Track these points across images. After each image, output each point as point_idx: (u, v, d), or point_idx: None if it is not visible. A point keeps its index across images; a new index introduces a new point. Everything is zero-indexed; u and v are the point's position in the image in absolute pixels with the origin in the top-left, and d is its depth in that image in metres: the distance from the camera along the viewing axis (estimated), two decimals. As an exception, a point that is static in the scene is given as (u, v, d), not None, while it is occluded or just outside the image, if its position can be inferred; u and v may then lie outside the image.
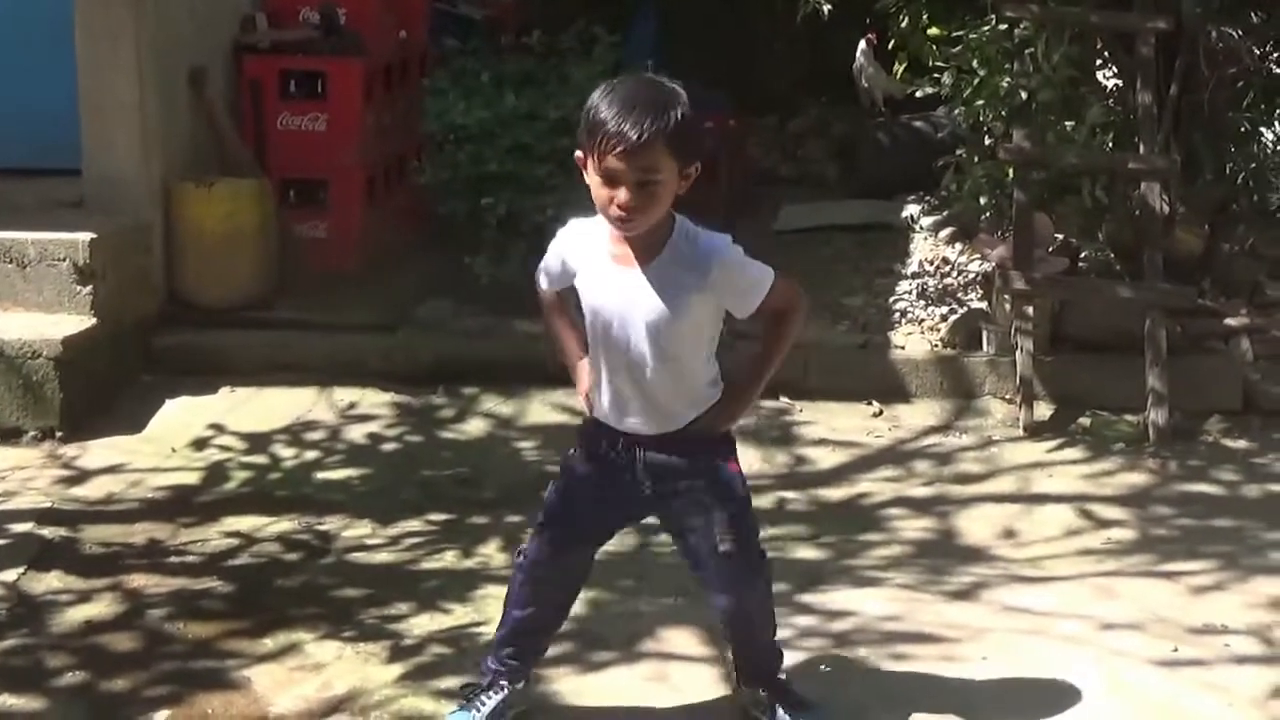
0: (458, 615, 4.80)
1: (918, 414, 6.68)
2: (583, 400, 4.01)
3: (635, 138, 3.56)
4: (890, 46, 8.11)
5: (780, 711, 4.07)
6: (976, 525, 5.62)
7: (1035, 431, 6.46)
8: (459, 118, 7.16)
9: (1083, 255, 7.21)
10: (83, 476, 5.99)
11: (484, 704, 4.10)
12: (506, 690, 4.12)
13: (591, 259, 3.83)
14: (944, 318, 7.13)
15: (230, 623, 4.77)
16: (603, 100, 3.64)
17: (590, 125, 3.64)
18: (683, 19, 10.27)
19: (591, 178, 3.69)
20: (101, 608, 4.86)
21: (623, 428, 3.87)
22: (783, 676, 4.17)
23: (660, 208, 3.68)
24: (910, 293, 7.41)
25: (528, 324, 6.63)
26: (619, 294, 3.78)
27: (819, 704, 4.11)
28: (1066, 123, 6.97)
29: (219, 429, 6.43)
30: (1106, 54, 7.34)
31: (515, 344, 6.82)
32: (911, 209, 8.31)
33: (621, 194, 3.62)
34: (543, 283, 4.00)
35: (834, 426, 6.53)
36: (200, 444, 6.31)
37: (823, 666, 4.47)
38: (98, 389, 6.52)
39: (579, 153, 3.73)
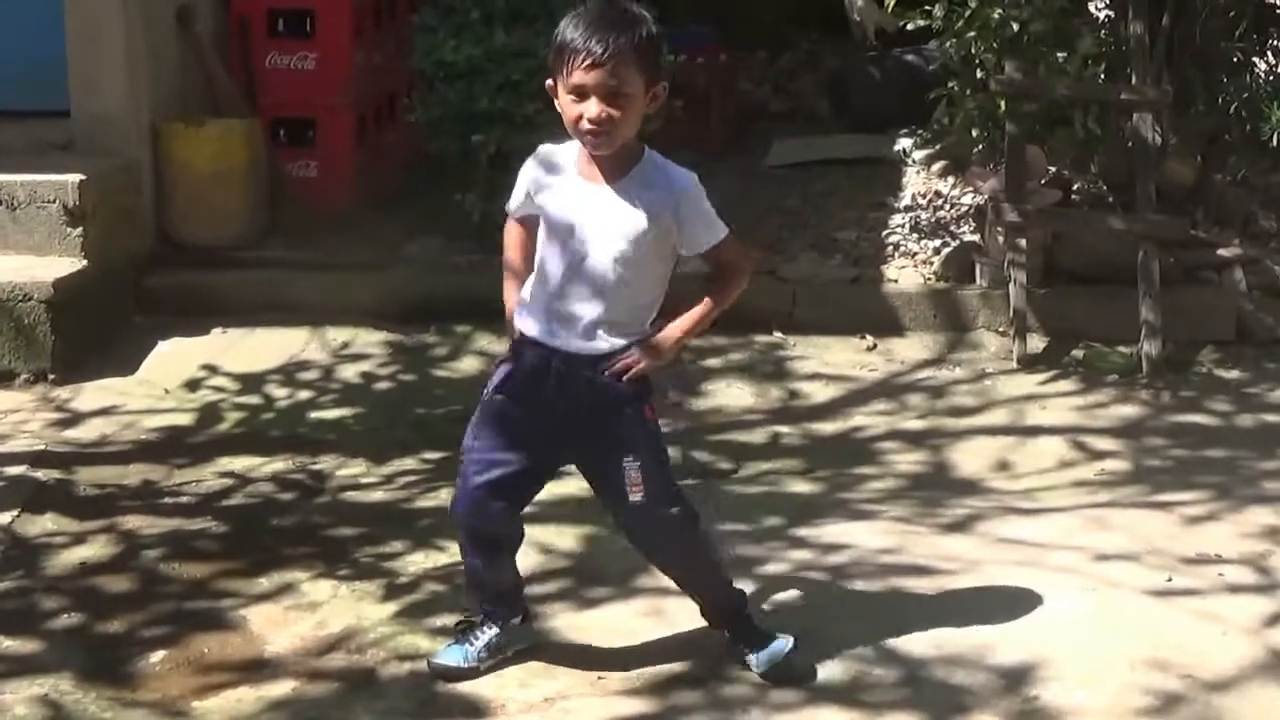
0: (452, 553, 4.78)
1: (911, 347, 6.67)
2: (511, 333, 3.99)
3: (601, 51, 3.66)
4: (881, -21, 8.06)
5: (748, 652, 4.09)
6: (970, 458, 5.63)
7: (1028, 364, 6.47)
8: (449, 55, 7.12)
9: (1075, 187, 7.20)
10: (76, 419, 5.98)
11: (476, 639, 4.12)
12: (499, 627, 4.14)
13: (559, 176, 3.89)
14: (937, 251, 7.13)
15: (225, 563, 4.78)
16: (569, 23, 3.74)
17: (558, 46, 3.74)
18: (673, -47, 10.20)
19: (562, 99, 3.77)
20: (96, 549, 4.87)
21: (552, 343, 3.87)
22: (748, 615, 4.17)
23: (630, 123, 3.74)
24: (903, 226, 7.39)
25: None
26: (585, 206, 3.82)
27: (782, 635, 4.11)
28: (1058, 54, 6.93)
29: (212, 370, 6.43)
30: (1098, -16, 7.31)
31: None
32: (904, 142, 8.28)
33: (591, 107, 3.69)
34: (512, 206, 4.02)
35: (827, 361, 6.53)
36: (193, 385, 6.31)
37: (818, 598, 4.48)
38: (89, 331, 6.51)
39: (549, 81, 3.80)
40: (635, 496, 3.93)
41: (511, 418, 3.96)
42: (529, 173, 3.95)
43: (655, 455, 3.98)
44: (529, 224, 4.01)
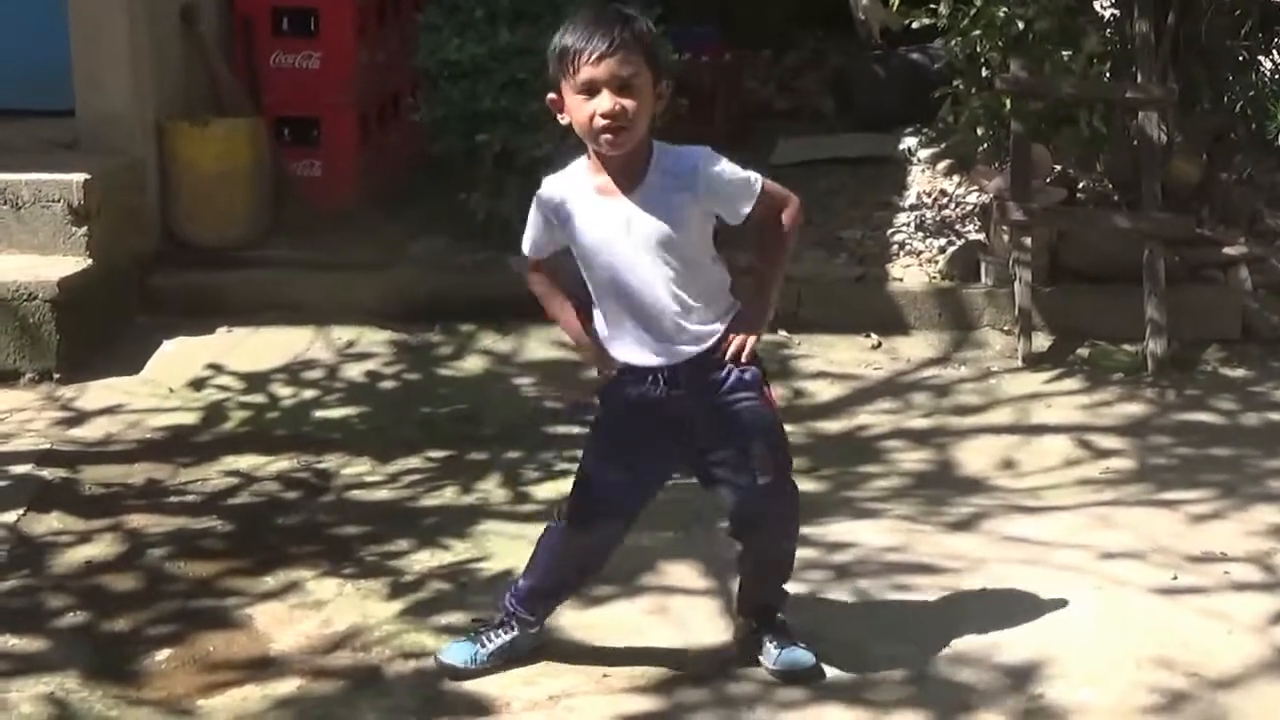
0: (457, 551, 4.81)
1: (916, 346, 6.67)
2: (595, 362, 3.99)
3: (607, 43, 3.65)
4: (886, -23, 8.05)
5: (768, 643, 4.08)
6: (975, 456, 5.62)
7: (1034, 362, 6.46)
8: (453, 53, 7.11)
9: (1080, 186, 7.19)
10: (81, 418, 5.99)
11: (490, 640, 4.11)
12: (517, 632, 4.13)
13: (576, 201, 3.84)
14: (942, 249, 7.12)
15: (230, 561, 4.79)
16: (565, 31, 3.74)
17: (559, 53, 3.73)
18: (677, -48, 10.19)
19: (571, 103, 3.74)
20: (102, 548, 4.87)
21: (664, 361, 3.85)
22: (781, 615, 4.17)
23: (643, 117, 3.71)
24: (908, 225, 7.39)
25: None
26: (614, 224, 3.79)
27: (806, 648, 4.09)
28: (1064, 52, 6.92)
29: (217, 369, 6.43)
30: (1103, -17, 7.30)
31: (512, 280, 6.74)
32: (909, 141, 8.27)
33: (604, 101, 3.67)
34: (531, 251, 3.97)
35: (832, 359, 6.53)
36: (198, 384, 6.31)
37: (824, 597, 4.48)
38: (94, 330, 6.51)
39: (552, 95, 3.79)
40: (764, 479, 3.92)
41: (632, 442, 3.95)
42: (543, 205, 3.89)
43: (780, 435, 3.99)
44: (549, 265, 3.98)
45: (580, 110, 3.71)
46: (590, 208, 3.82)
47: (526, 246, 3.97)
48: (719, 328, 3.86)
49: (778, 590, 4.17)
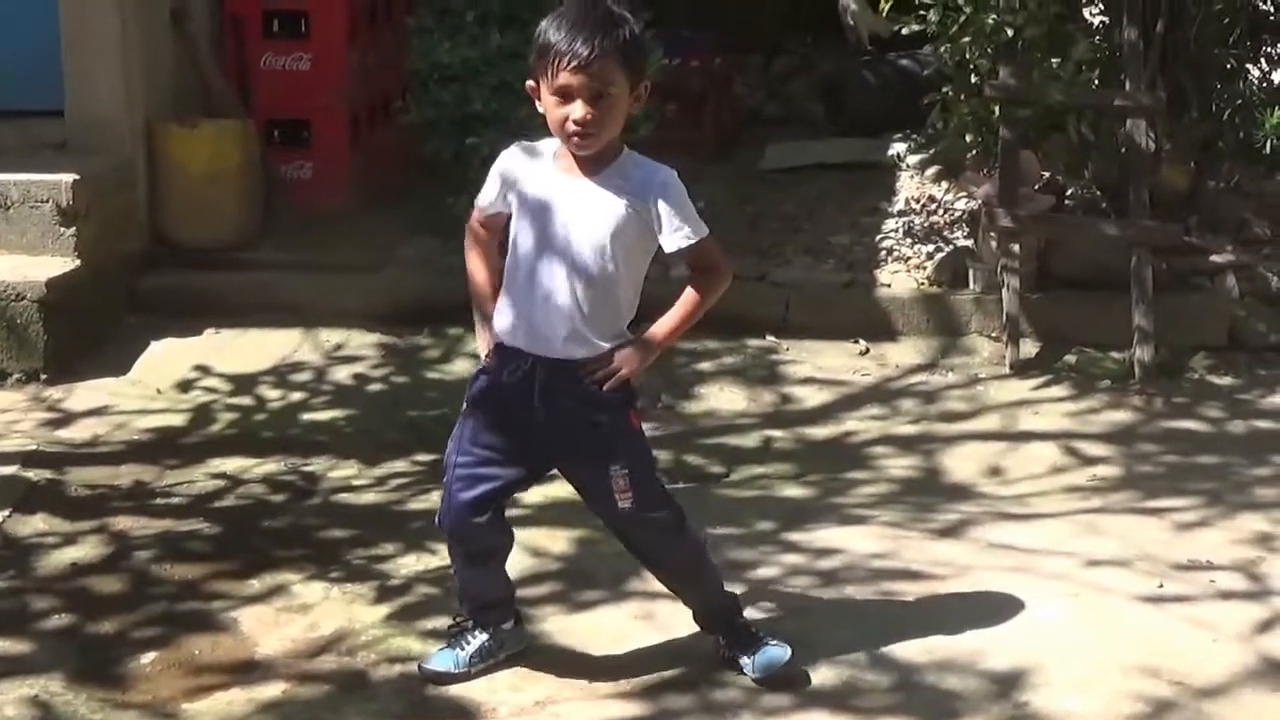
0: (444, 555, 4.73)
1: (904, 352, 6.68)
2: (484, 345, 3.97)
3: (586, 53, 3.65)
4: (876, -17, 8.06)
5: (742, 656, 4.08)
6: (962, 463, 5.63)
7: (1021, 369, 6.47)
8: (444, 56, 7.11)
9: (1069, 193, 7.20)
10: (68, 419, 5.98)
11: (467, 644, 4.11)
12: (490, 633, 4.13)
13: (536, 170, 3.85)
14: (930, 256, 7.13)
15: (217, 564, 4.78)
16: (552, 24, 3.73)
17: (541, 47, 3.73)
18: (668, -44, 10.20)
19: (545, 100, 3.75)
20: (88, 550, 4.86)
21: (529, 348, 3.83)
22: (741, 619, 4.17)
23: (614, 124, 3.74)
24: (896, 231, 7.39)
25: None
26: (563, 198, 3.80)
27: (778, 643, 4.09)
28: (1052, 60, 6.94)
29: (204, 370, 6.42)
30: (1093, -10, 7.31)
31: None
32: (898, 147, 8.28)
33: (576, 109, 3.68)
34: (480, 201, 3.96)
35: (820, 365, 6.53)
36: (185, 385, 6.30)
37: (810, 603, 4.49)
38: (82, 331, 6.50)
39: (530, 82, 3.80)
40: (624, 503, 3.92)
41: (494, 432, 3.92)
42: (504, 166, 3.91)
43: (642, 461, 3.97)
44: (493, 224, 3.98)
45: (554, 110, 3.73)
46: (546, 179, 3.83)
47: (479, 197, 3.97)
48: (603, 347, 3.85)
49: (712, 602, 4.16)
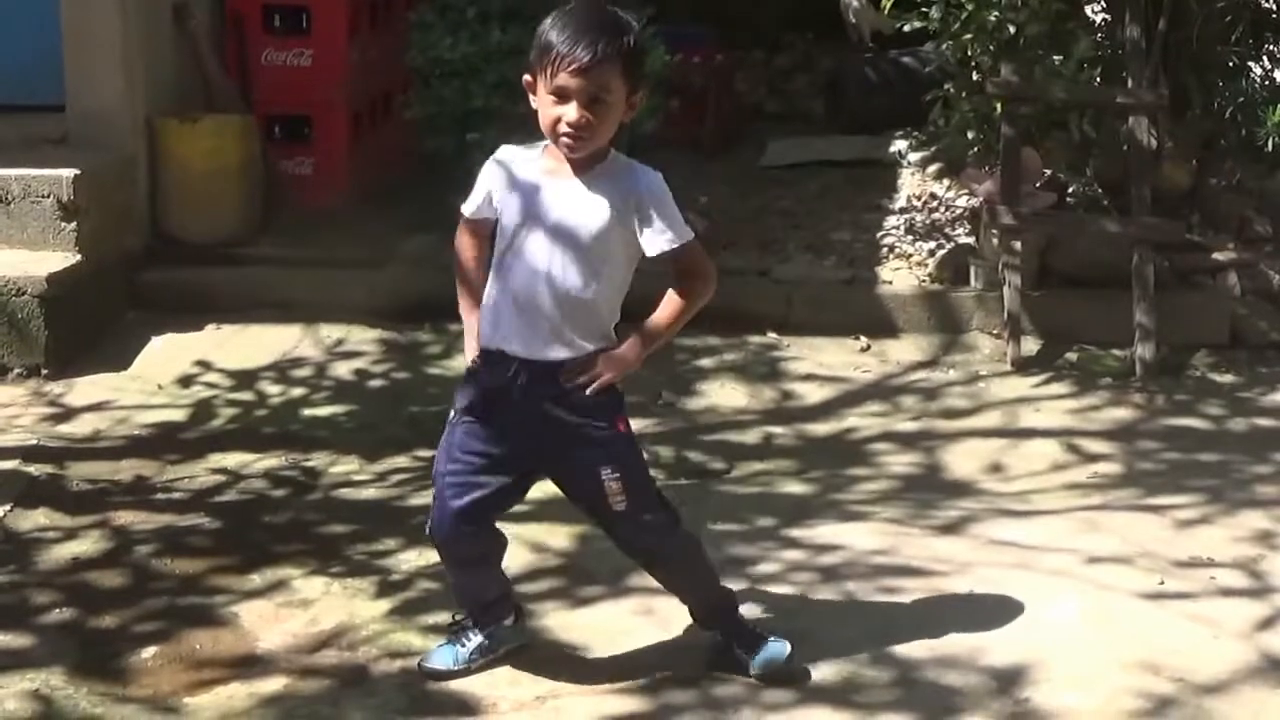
0: (445, 551, 4.80)
1: (905, 349, 6.68)
2: (471, 351, 3.94)
3: (588, 57, 3.64)
4: (878, -20, 8.06)
5: (741, 653, 4.08)
6: (963, 460, 5.63)
7: (1022, 366, 6.47)
8: (445, 52, 7.12)
9: (1070, 190, 7.19)
10: (69, 414, 5.98)
11: (468, 641, 4.11)
12: (489, 631, 4.12)
13: (522, 173, 3.84)
14: (931, 253, 7.13)
15: (217, 559, 4.78)
16: (555, 24, 3.72)
17: (542, 46, 3.72)
18: (670, -47, 10.19)
19: (541, 98, 3.74)
20: (88, 545, 4.86)
21: (512, 350, 3.81)
22: (739, 615, 4.16)
23: (607, 130, 3.73)
24: (898, 228, 7.40)
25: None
26: (549, 199, 3.78)
27: (777, 639, 4.09)
28: (1054, 57, 6.94)
29: (205, 366, 6.42)
30: (1095, -13, 7.31)
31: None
32: (899, 144, 8.28)
33: (571, 111, 3.67)
34: (466, 208, 3.94)
35: (821, 362, 6.53)
36: (186, 381, 6.30)
37: (811, 599, 4.49)
38: (83, 326, 6.50)
39: (527, 76, 3.78)
40: (618, 506, 3.91)
41: (482, 439, 3.90)
42: (490, 172, 3.89)
43: (634, 463, 3.96)
44: (482, 230, 3.96)
45: (548, 110, 3.72)
46: (531, 182, 3.81)
47: (467, 202, 3.95)
48: (587, 345, 3.83)
49: (710, 600, 4.15)
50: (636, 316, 3.94)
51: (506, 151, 3.90)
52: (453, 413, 3.98)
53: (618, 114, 3.73)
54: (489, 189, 3.89)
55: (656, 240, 3.79)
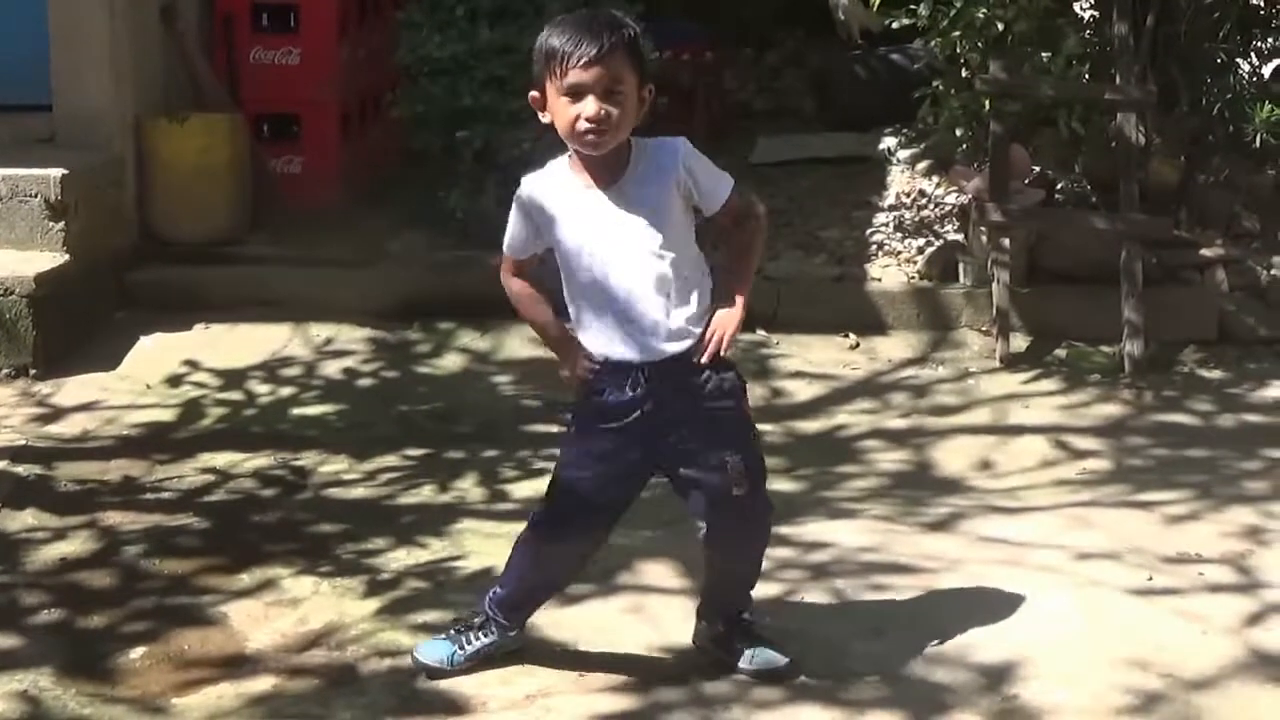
0: (435, 549, 4.80)
1: (894, 346, 6.68)
2: (576, 369, 3.91)
3: (596, 49, 3.64)
4: (866, -22, 8.06)
5: (741, 647, 4.08)
6: (953, 456, 5.63)
7: (1011, 363, 6.47)
8: (433, 51, 7.12)
9: (1059, 187, 7.20)
10: (57, 414, 5.97)
11: (469, 643, 4.09)
12: (495, 637, 4.11)
13: (558, 199, 3.82)
14: (920, 250, 7.13)
15: (206, 559, 4.77)
16: (554, 32, 3.72)
17: (546, 53, 3.71)
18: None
19: (554, 104, 3.72)
20: (77, 545, 4.86)
21: (645, 357, 3.81)
22: (747, 616, 4.16)
23: (627, 122, 3.72)
24: (887, 225, 7.40)
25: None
26: (597, 219, 3.78)
27: (777, 641, 4.10)
28: (1043, 54, 6.94)
29: (194, 365, 6.42)
30: (1083, -16, 7.31)
31: (491, 278, 6.72)
32: (888, 141, 8.29)
33: (589, 106, 3.67)
34: (510, 251, 3.92)
35: (810, 359, 6.53)
36: (175, 380, 6.30)
37: (800, 597, 4.49)
38: (71, 326, 6.49)
39: (534, 93, 3.77)
40: (739, 491, 3.89)
41: (614, 451, 3.89)
42: (526, 206, 3.85)
43: (754, 448, 3.96)
44: (530, 265, 3.95)
45: (564, 112, 3.70)
46: (573, 206, 3.80)
47: (507, 245, 3.93)
48: (698, 329, 3.85)
49: (745, 597, 4.16)
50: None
51: (529, 184, 3.87)
52: (573, 424, 3.99)
53: (633, 106, 3.72)
54: (531, 225, 3.87)
55: (714, 195, 3.84)
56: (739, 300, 3.90)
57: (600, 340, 3.86)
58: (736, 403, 3.91)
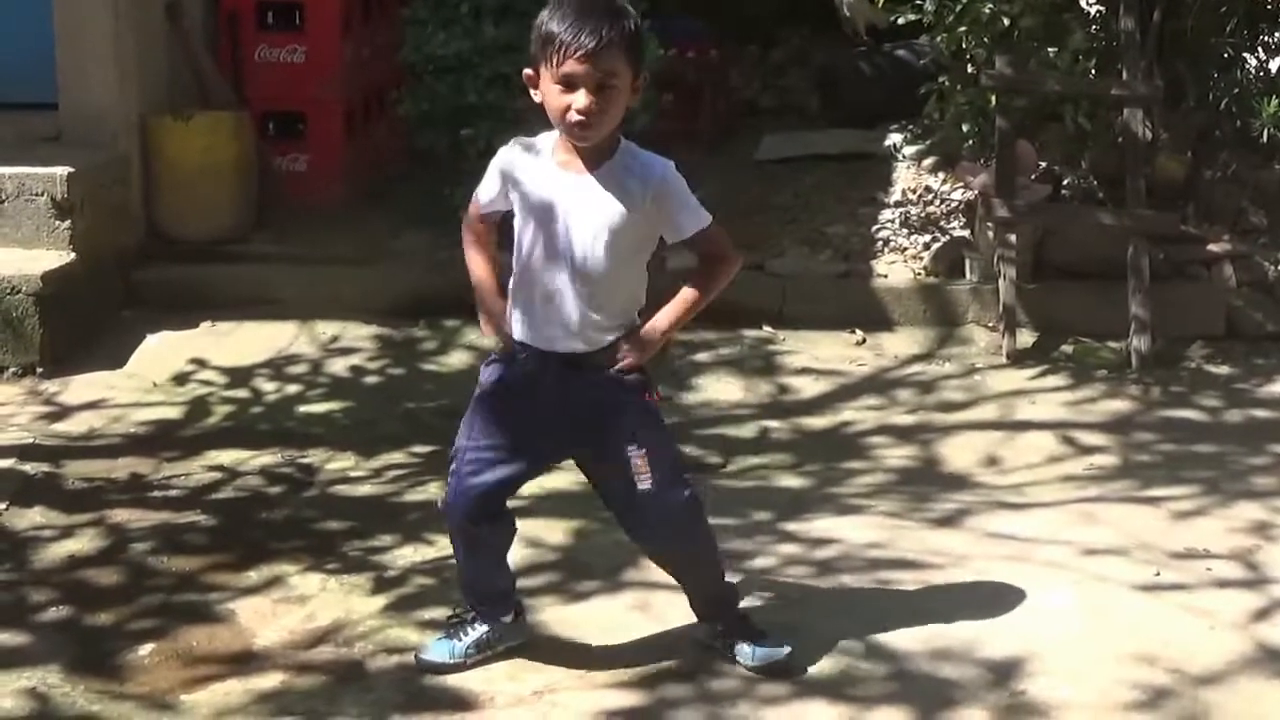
0: (440, 546, 4.78)
1: (900, 342, 6.68)
2: (492, 330, 3.95)
3: (593, 43, 3.64)
4: (872, -26, 8.05)
5: (740, 644, 4.08)
6: (959, 452, 5.63)
7: (1018, 359, 6.47)
8: (438, 48, 7.12)
9: (1065, 182, 7.20)
10: (64, 412, 5.98)
11: (466, 635, 4.10)
12: (489, 625, 4.12)
13: (536, 166, 3.84)
14: (927, 246, 7.13)
15: (214, 556, 4.77)
16: (554, 14, 3.71)
17: (544, 36, 3.71)
18: (664, -53, 10.19)
19: (546, 88, 3.73)
20: (84, 543, 4.86)
21: (545, 345, 3.83)
22: (740, 608, 4.16)
23: (616, 115, 3.73)
24: (893, 221, 7.39)
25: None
26: (566, 195, 3.79)
27: (778, 640, 4.09)
28: (1049, 49, 6.93)
29: (200, 363, 6.42)
30: (1089, -21, 7.31)
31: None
32: (894, 137, 8.27)
33: (580, 98, 3.67)
34: (480, 198, 3.95)
35: (817, 355, 6.53)
36: (182, 378, 6.30)
37: (807, 593, 4.49)
38: (78, 324, 6.50)
39: (528, 70, 3.78)
40: (644, 484, 3.89)
41: (508, 418, 3.91)
42: (504, 162, 3.89)
43: (660, 440, 3.95)
44: (492, 219, 3.98)
45: (556, 100, 3.71)
46: (547, 176, 3.82)
47: (478, 191, 3.97)
48: (610, 337, 3.84)
49: (716, 590, 4.15)
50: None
51: (519, 143, 3.89)
52: (475, 394, 3.99)
53: (624, 99, 3.73)
54: (503, 180, 3.89)
55: (681, 226, 3.82)
56: (659, 328, 3.89)
57: (515, 317, 3.88)
58: (638, 394, 3.90)
